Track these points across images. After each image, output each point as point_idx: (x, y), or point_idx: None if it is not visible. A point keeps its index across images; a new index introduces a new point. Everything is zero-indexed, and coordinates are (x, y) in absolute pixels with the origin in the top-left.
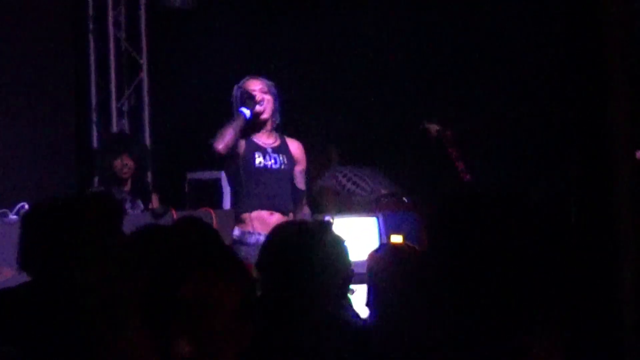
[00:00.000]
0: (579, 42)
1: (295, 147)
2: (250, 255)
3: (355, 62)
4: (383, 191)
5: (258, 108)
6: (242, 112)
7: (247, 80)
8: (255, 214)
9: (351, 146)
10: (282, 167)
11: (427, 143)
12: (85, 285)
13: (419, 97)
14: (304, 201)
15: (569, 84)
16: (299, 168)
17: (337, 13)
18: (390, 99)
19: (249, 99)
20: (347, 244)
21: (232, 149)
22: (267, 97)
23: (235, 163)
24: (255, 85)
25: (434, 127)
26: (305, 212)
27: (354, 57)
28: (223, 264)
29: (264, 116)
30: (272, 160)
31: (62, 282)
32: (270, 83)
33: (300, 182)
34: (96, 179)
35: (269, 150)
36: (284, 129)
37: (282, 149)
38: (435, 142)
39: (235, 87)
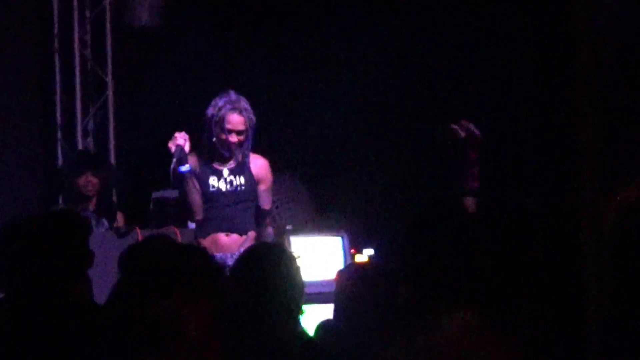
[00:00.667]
0: (550, 54)
1: (258, 165)
2: None
3: (322, 77)
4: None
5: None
6: (182, 171)
7: (229, 114)
8: (210, 238)
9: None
10: (239, 189)
11: (445, 145)
12: (57, 302)
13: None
14: (268, 221)
15: (540, 98)
16: (263, 187)
17: (302, 29)
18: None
19: (182, 157)
20: (299, 262)
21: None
22: (242, 137)
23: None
24: (236, 125)
25: (465, 126)
26: (269, 232)
27: (321, 73)
28: (189, 285)
29: (231, 155)
30: (228, 185)
31: (34, 298)
32: (249, 114)
33: (264, 202)
34: (61, 197)
35: (225, 172)
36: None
37: (241, 169)
38: (460, 142)
39: (219, 108)
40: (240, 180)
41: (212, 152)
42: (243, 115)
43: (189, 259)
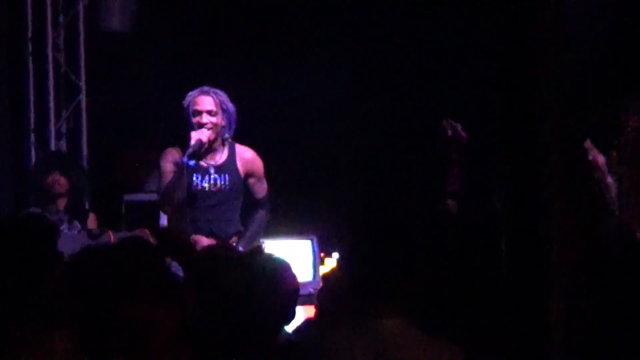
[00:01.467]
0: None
1: (245, 158)
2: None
3: (293, 79)
4: None
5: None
6: (187, 162)
7: (197, 96)
8: (191, 239)
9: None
10: (224, 187)
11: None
12: (24, 305)
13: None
14: (267, 207)
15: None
16: (253, 180)
17: (275, 34)
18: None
19: (197, 151)
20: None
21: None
22: (214, 119)
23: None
24: (204, 105)
25: (453, 126)
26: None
27: (291, 75)
28: (160, 289)
29: (208, 140)
30: (212, 182)
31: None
32: (221, 98)
33: (257, 192)
34: (32, 198)
35: (211, 170)
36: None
37: (227, 167)
38: (444, 142)
39: (187, 97)
40: (225, 179)
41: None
42: (211, 96)
43: (160, 264)
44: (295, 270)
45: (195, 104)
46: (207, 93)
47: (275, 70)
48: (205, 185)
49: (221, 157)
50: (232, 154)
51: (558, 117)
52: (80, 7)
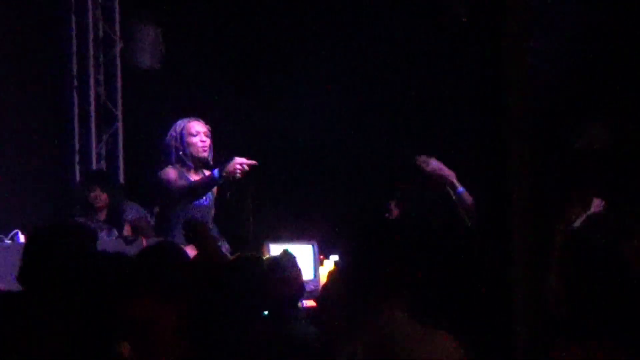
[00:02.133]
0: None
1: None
2: None
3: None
4: None
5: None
6: (216, 175)
7: (190, 121)
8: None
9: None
10: (209, 202)
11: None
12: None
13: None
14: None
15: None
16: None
17: (284, 66)
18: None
19: (232, 174)
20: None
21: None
22: (208, 141)
23: (173, 201)
24: (201, 127)
25: (429, 164)
26: None
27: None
28: (166, 288)
29: (207, 156)
30: (203, 197)
31: (48, 292)
32: (207, 126)
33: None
34: (77, 209)
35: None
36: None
37: None
38: (426, 174)
39: (177, 126)
40: (210, 194)
41: (189, 167)
42: (204, 124)
43: (169, 265)
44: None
45: (192, 127)
46: (198, 119)
47: (281, 92)
48: (199, 200)
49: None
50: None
51: (523, 131)
52: (117, 48)
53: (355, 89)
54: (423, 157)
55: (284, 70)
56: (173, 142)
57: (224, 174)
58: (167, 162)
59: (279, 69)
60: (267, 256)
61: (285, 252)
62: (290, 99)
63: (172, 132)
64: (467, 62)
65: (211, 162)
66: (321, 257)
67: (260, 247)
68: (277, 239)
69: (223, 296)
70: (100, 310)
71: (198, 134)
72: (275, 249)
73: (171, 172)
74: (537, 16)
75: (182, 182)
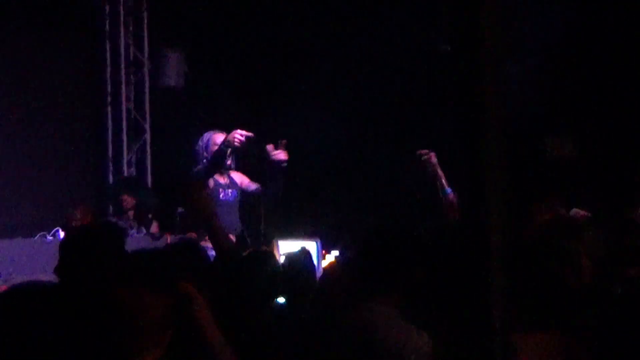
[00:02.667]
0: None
1: (238, 177)
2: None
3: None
4: None
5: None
6: (222, 147)
7: (215, 133)
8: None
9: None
10: (234, 198)
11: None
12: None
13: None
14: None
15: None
16: (245, 184)
17: (297, 78)
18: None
19: (232, 142)
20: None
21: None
22: (229, 150)
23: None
24: (221, 139)
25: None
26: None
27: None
28: (157, 280)
29: (229, 163)
30: (230, 194)
31: (84, 284)
32: None
33: (251, 186)
34: (110, 209)
35: (225, 186)
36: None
37: (232, 184)
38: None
39: (204, 137)
40: (234, 192)
41: (215, 170)
42: (223, 132)
43: (190, 260)
44: None
45: (216, 138)
46: (222, 132)
47: (290, 105)
48: (226, 196)
49: (226, 179)
50: (230, 177)
51: (500, 144)
52: (146, 69)
53: (355, 104)
54: (426, 151)
55: (294, 85)
56: (201, 151)
57: (225, 142)
58: (197, 166)
59: (288, 84)
60: (285, 252)
61: (303, 249)
62: (297, 112)
63: (200, 142)
64: (451, 84)
65: (233, 167)
66: (323, 252)
67: (270, 243)
68: (285, 236)
69: (240, 287)
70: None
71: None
72: (283, 245)
73: None
74: (511, 45)
75: (212, 184)
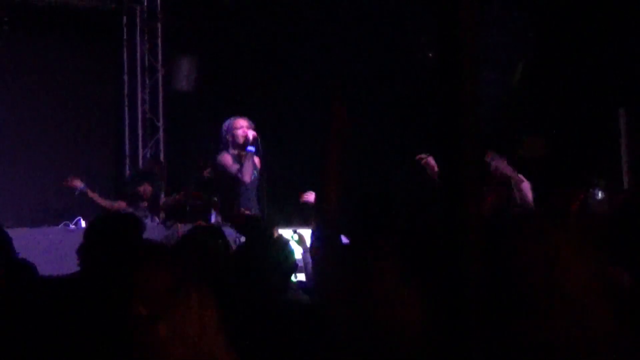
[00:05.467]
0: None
1: (257, 161)
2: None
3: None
4: None
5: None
6: (249, 150)
7: (236, 118)
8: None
9: None
10: (256, 181)
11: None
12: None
13: None
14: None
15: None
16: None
17: (294, 77)
18: None
19: (254, 141)
20: (290, 243)
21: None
22: (250, 132)
23: (231, 180)
24: (243, 123)
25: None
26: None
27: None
28: (154, 259)
29: (242, 142)
30: (254, 177)
31: (106, 271)
32: (251, 121)
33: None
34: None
35: (250, 170)
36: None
37: (255, 168)
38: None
39: (227, 122)
40: (256, 174)
41: (239, 154)
42: (244, 117)
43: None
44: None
45: (237, 122)
46: (241, 116)
47: (298, 105)
48: (249, 179)
49: (249, 163)
50: (253, 161)
51: (476, 143)
52: (160, 74)
53: (356, 105)
54: (424, 155)
55: (291, 83)
56: (224, 134)
57: (249, 144)
58: (223, 149)
59: (286, 82)
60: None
61: (280, 236)
62: (301, 111)
63: (223, 126)
64: (433, 88)
65: (250, 148)
66: None
67: (271, 231)
68: (285, 224)
69: (268, 268)
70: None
71: (242, 127)
72: (283, 232)
73: (226, 157)
74: (486, 52)
75: (236, 166)
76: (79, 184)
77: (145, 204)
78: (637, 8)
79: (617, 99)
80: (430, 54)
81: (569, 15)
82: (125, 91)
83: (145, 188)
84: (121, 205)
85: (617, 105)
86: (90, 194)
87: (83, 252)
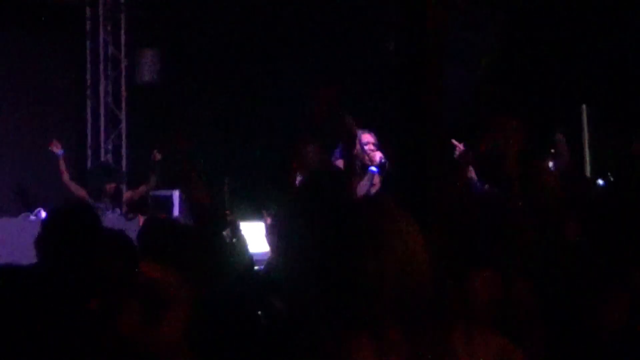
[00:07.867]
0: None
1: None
2: None
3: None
4: None
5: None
6: (371, 170)
7: (364, 132)
8: None
9: None
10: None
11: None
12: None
13: None
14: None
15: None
16: None
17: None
18: None
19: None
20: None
21: None
22: (380, 154)
23: None
24: (370, 139)
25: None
26: None
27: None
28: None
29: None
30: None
31: (64, 264)
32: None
33: None
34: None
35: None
36: None
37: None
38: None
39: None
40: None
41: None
42: (374, 136)
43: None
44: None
45: (365, 137)
46: (370, 132)
47: (257, 94)
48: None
49: None
50: None
51: (440, 137)
52: (123, 65)
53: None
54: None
55: (256, 75)
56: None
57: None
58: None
59: (250, 74)
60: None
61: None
62: (260, 99)
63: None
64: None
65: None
66: None
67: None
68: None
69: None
70: (106, 275)
71: (367, 144)
72: (244, 226)
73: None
74: (451, 50)
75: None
76: (58, 149)
77: (108, 196)
78: (600, 6)
79: (580, 96)
80: (391, 46)
81: (534, 12)
82: (88, 82)
83: (109, 187)
84: (81, 193)
85: (580, 102)
86: (62, 166)
87: (40, 244)
